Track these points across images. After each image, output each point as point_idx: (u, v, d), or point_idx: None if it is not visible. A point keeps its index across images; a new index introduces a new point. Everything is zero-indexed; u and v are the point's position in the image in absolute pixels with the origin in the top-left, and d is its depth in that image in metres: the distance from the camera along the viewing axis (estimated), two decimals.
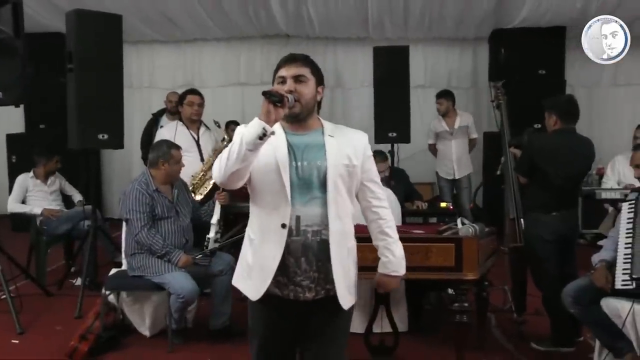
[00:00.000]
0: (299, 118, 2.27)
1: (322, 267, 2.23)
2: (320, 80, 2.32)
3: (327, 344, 2.33)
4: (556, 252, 3.96)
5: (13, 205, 5.69)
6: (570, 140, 4.04)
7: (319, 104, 2.36)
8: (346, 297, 2.29)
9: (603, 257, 3.52)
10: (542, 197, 3.99)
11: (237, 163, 2.10)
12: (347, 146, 2.29)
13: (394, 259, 2.41)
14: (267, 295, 2.25)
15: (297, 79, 2.24)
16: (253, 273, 2.28)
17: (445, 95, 6.98)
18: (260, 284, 2.24)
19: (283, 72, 2.25)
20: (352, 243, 2.36)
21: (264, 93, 2.10)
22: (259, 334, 2.36)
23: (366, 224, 2.45)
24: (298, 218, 2.21)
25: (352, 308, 2.37)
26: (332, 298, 2.27)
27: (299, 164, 2.23)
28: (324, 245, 2.22)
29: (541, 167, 3.96)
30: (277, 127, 2.26)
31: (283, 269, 2.22)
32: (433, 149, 7.22)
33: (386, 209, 2.42)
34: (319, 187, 2.22)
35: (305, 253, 2.22)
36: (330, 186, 2.22)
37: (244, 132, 2.10)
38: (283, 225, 2.19)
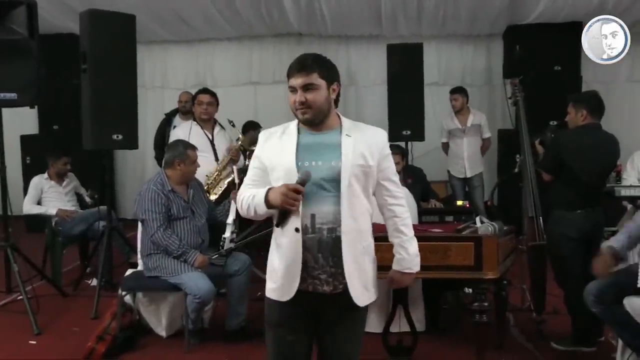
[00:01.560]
0: (315, 122, 2.30)
1: (338, 263, 2.26)
2: (332, 78, 2.32)
3: (342, 339, 2.36)
4: (580, 250, 3.90)
5: (29, 207, 5.71)
6: (597, 136, 3.98)
7: (337, 99, 2.36)
8: (361, 294, 2.31)
9: (611, 243, 3.45)
10: (567, 194, 3.93)
11: (258, 217, 2.36)
12: (364, 146, 2.30)
13: (407, 256, 2.42)
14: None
15: (306, 88, 2.25)
16: (280, 276, 2.31)
17: (460, 91, 6.92)
18: (290, 285, 2.29)
19: (292, 82, 2.27)
20: (369, 241, 2.37)
21: (279, 225, 2.30)
22: (275, 325, 2.38)
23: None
24: (313, 216, 2.24)
25: (366, 306, 2.39)
26: (349, 293, 2.28)
27: (313, 163, 2.24)
28: (339, 243, 2.25)
29: (567, 164, 3.90)
30: (292, 129, 2.34)
31: (302, 264, 2.26)
32: (446, 147, 7.17)
33: (402, 207, 2.43)
34: (333, 187, 2.24)
35: (321, 249, 2.25)
36: (343, 186, 2.24)
37: (257, 204, 2.28)
38: (296, 230, 2.23)
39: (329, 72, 2.31)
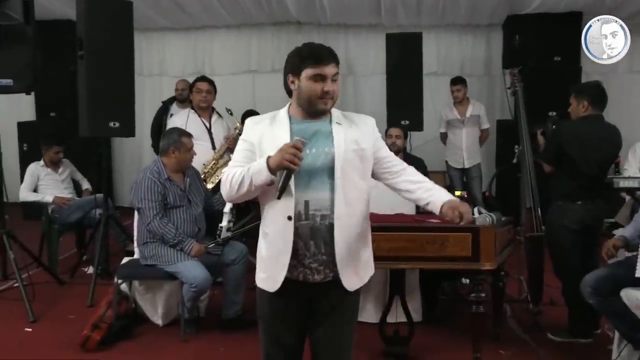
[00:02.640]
0: (326, 112, 2.29)
1: (330, 250, 2.25)
2: None
3: (334, 329, 2.35)
4: (580, 242, 3.90)
5: (25, 194, 5.68)
6: (599, 127, 3.97)
7: None
8: (351, 279, 2.31)
9: (623, 232, 3.47)
10: (568, 185, 3.92)
11: (246, 196, 2.24)
12: (355, 132, 2.30)
13: (439, 191, 2.34)
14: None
15: (333, 78, 2.23)
16: (268, 266, 2.31)
17: (462, 82, 6.90)
18: (276, 276, 2.27)
19: (324, 69, 2.20)
20: (365, 227, 2.36)
21: (278, 198, 2.15)
22: (266, 316, 2.38)
23: (396, 192, 2.42)
24: (307, 203, 2.22)
25: (358, 290, 2.38)
26: (339, 281, 2.28)
27: (307, 151, 2.21)
28: (332, 230, 2.23)
29: (569, 154, 3.88)
30: (283, 116, 2.31)
31: (293, 252, 2.24)
32: (444, 138, 7.15)
33: (410, 167, 2.41)
34: (327, 173, 2.23)
35: (314, 237, 2.24)
36: (337, 172, 2.22)
37: (253, 175, 2.17)
38: (289, 218, 2.22)
39: None
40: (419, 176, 2.40)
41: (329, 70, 2.21)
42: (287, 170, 2.11)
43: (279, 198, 2.14)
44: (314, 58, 2.21)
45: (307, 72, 2.20)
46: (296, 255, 2.25)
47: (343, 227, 2.24)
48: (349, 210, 2.26)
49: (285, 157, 2.09)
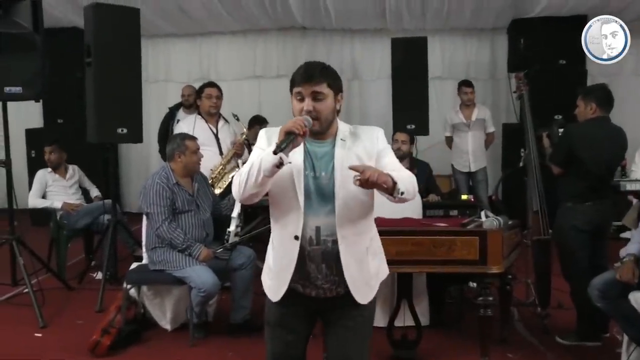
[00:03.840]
0: (319, 133, 2.26)
1: (340, 271, 2.26)
2: (338, 88, 2.29)
3: (349, 337, 2.34)
4: (589, 243, 3.91)
5: (34, 201, 5.71)
6: (606, 128, 4.00)
7: (339, 108, 2.33)
8: (363, 291, 2.31)
9: (630, 250, 3.46)
10: (577, 186, 3.94)
11: (254, 187, 2.16)
12: (359, 146, 2.27)
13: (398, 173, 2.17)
14: (288, 290, 2.30)
15: (315, 97, 2.21)
16: (273, 276, 2.34)
17: (472, 85, 6.90)
18: (278, 288, 2.31)
19: (301, 90, 2.21)
20: (371, 239, 2.35)
21: (275, 153, 2.07)
22: (272, 324, 2.40)
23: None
24: (318, 228, 2.23)
25: (373, 301, 2.38)
26: (351, 296, 2.29)
27: (318, 174, 2.23)
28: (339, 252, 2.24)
29: (579, 156, 3.90)
30: None
31: (305, 275, 2.27)
32: (450, 141, 7.15)
33: (401, 174, 2.19)
34: (334, 197, 2.22)
35: (326, 260, 2.25)
36: (337, 193, 2.21)
37: (262, 158, 2.11)
38: (296, 237, 2.22)
39: (335, 82, 2.28)
40: (397, 171, 2.21)
41: (305, 89, 2.19)
42: (291, 134, 2.09)
43: (274, 153, 2.07)
44: (296, 77, 2.23)
45: (293, 92, 2.25)
46: (308, 278, 2.27)
47: (349, 245, 2.24)
48: (355, 229, 2.26)
49: (292, 124, 2.10)
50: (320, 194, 2.23)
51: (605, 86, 4.14)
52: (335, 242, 2.23)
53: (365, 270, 2.31)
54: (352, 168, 2.09)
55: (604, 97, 4.00)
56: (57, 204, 5.62)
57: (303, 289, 2.29)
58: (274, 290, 2.32)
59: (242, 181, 2.17)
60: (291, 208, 2.23)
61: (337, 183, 2.21)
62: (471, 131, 6.91)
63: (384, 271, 2.44)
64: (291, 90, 2.26)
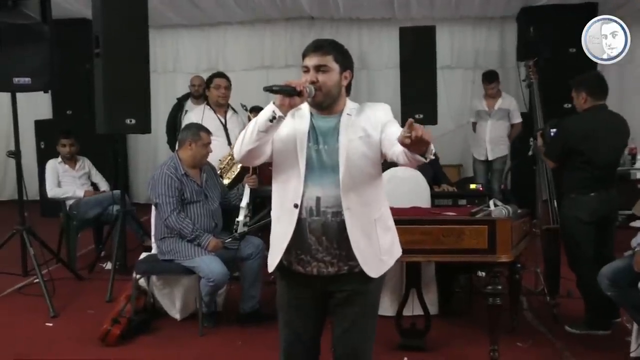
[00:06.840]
0: (323, 106, 2.29)
1: (344, 245, 2.25)
2: (346, 65, 2.30)
3: (350, 319, 2.34)
4: (594, 233, 3.89)
5: (54, 191, 5.68)
6: (604, 116, 3.95)
7: (348, 87, 2.35)
8: (375, 265, 2.30)
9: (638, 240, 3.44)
10: (579, 177, 3.90)
11: (251, 142, 2.20)
12: (364, 119, 2.29)
13: None
14: (291, 273, 2.33)
15: (319, 68, 2.24)
16: (271, 247, 2.37)
17: (497, 78, 6.82)
18: (273, 258, 2.34)
19: (306, 61, 2.26)
20: (381, 212, 2.34)
21: (265, 89, 2.14)
22: (284, 309, 2.42)
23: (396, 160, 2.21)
24: (318, 199, 2.24)
25: (381, 278, 2.36)
26: (356, 274, 2.28)
27: (321, 147, 2.25)
28: (343, 225, 2.23)
29: (578, 149, 3.87)
30: (305, 110, 2.32)
31: (305, 247, 2.27)
32: (474, 127, 7.08)
33: None
34: (337, 170, 2.24)
35: (326, 232, 2.25)
36: (342, 163, 2.22)
37: (260, 114, 2.20)
38: (295, 205, 2.24)
39: (344, 58, 2.30)
40: None
41: (309, 61, 2.24)
42: (290, 86, 2.13)
43: (264, 89, 2.13)
44: (305, 50, 2.28)
45: (302, 66, 2.28)
46: (309, 251, 2.27)
47: (356, 216, 2.23)
48: (361, 199, 2.25)
49: (295, 80, 2.15)
50: (323, 166, 2.25)
51: (597, 73, 4.12)
52: (335, 214, 2.22)
53: (375, 243, 2.30)
54: (409, 125, 1.97)
55: (594, 85, 3.96)
56: (80, 193, 5.64)
57: (304, 267, 2.29)
58: (271, 259, 2.35)
59: (241, 138, 2.25)
60: (292, 176, 2.25)
61: (341, 153, 2.23)
62: (491, 120, 6.84)
63: (397, 249, 2.43)
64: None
